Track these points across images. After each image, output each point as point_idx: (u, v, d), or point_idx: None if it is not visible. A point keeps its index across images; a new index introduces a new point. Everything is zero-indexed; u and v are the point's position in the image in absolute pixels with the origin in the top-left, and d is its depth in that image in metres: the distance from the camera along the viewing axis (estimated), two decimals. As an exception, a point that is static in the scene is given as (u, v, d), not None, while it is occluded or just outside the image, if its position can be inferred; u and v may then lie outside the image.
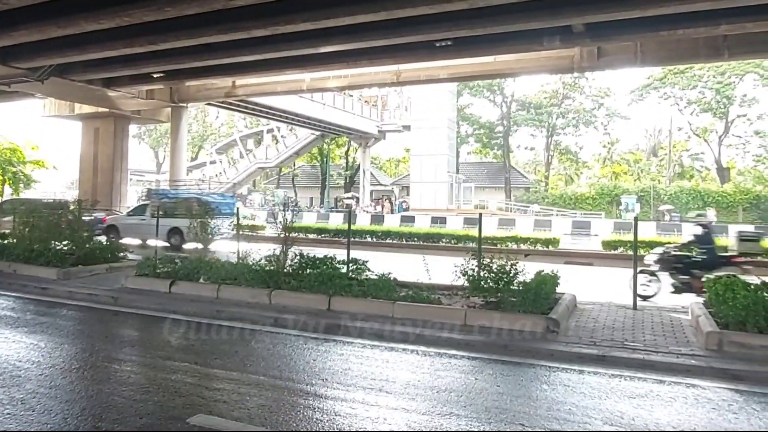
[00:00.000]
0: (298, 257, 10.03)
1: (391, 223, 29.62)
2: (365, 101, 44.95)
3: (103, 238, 15.30)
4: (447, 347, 7.00)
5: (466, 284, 8.80)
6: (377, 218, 32.40)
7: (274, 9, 12.63)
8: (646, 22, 12.90)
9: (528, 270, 8.59)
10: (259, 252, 10.52)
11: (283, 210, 11.11)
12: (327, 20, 12.88)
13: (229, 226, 19.04)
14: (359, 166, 51.55)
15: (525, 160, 68.49)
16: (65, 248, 12.99)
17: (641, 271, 10.24)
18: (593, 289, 11.12)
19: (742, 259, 10.16)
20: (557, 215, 41.72)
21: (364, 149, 48.90)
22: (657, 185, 48.64)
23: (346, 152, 60.61)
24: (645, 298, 10.00)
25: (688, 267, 10.09)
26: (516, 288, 8.22)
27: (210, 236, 12.39)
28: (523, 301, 7.86)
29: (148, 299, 9.66)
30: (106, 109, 26.81)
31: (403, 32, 13.82)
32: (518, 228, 26.73)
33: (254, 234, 13.87)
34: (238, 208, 14.25)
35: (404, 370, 6.17)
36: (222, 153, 53.02)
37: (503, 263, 8.52)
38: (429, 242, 21.35)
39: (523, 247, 19.19)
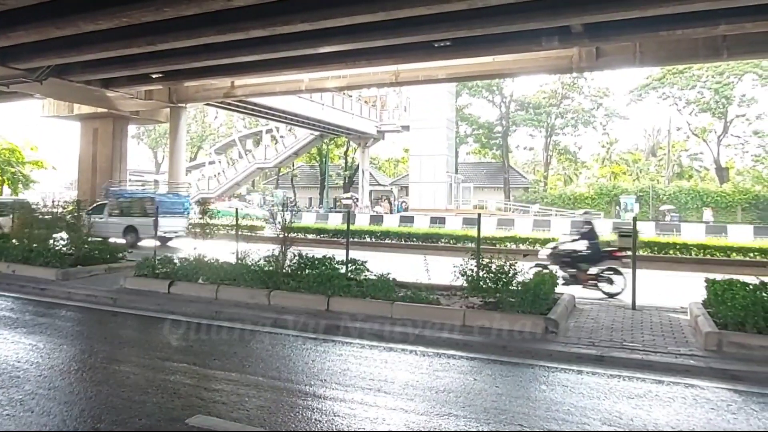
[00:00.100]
0: (297, 258, 10.04)
1: (390, 223, 29.63)
2: (364, 101, 44.93)
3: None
4: (446, 347, 7.00)
5: (465, 284, 8.81)
6: (376, 218, 32.40)
7: (273, 9, 12.62)
8: (644, 23, 12.90)
9: (527, 270, 8.60)
10: (258, 252, 10.52)
11: (282, 210, 11.11)
12: (325, 21, 12.88)
13: (185, 224, 19.90)
14: (358, 166, 51.51)
15: (524, 160, 68.52)
16: (64, 249, 12.99)
17: (536, 265, 10.86)
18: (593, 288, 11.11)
19: (622, 253, 10.72)
20: (556, 215, 41.72)
21: (363, 149, 48.86)
22: (656, 185, 48.66)
23: (345, 152, 60.57)
24: None
25: (575, 261, 10.86)
26: (515, 288, 8.23)
27: (164, 234, 12.63)
28: (522, 301, 7.86)
29: (146, 300, 9.65)
30: (105, 110, 26.77)
31: (402, 33, 13.81)
32: (517, 228, 26.72)
33: (253, 234, 13.88)
34: (237, 209, 14.24)
35: (403, 370, 6.17)
36: (221, 153, 52.92)
37: (502, 263, 8.53)
38: (428, 242, 21.36)
39: (522, 247, 19.20)
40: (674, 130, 55.21)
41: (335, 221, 31.56)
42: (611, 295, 10.56)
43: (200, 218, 12.05)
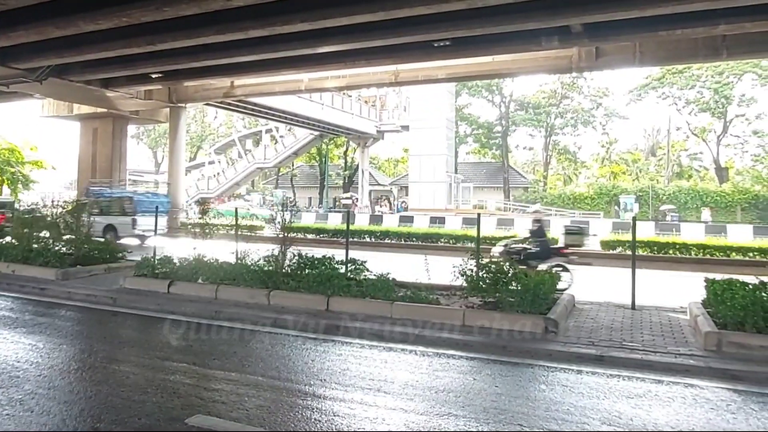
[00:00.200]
0: (296, 257, 10.04)
1: (390, 223, 29.62)
2: (364, 101, 44.94)
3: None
4: (445, 347, 7.01)
5: (465, 284, 8.81)
6: (376, 218, 32.41)
7: (272, 9, 12.62)
8: (644, 22, 12.90)
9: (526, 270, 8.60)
10: (257, 252, 10.52)
11: (282, 210, 11.11)
12: (325, 20, 12.88)
13: (164, 223, 20.62)
14: (358, 166, 51.51)
15: (523, 160, 68.52)
16: (64, 249, 12.99)
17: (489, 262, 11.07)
18: (592, 288, 11.12)
19: (569, 250, 11.24)
20: (556, 215, 41.74)
21: (363, 149, 48.87)
22: (655, 185, 48.69)
23: (345, 152, 60.57)
24: None
25: (525, 258, 11.06)
26: (514, 288, 8.23)
27: (143, 233, 12.85)
28: (521, 301, 7.87)
29: (146, 300, 9.65)
30: (105, 110, 26.77)
31: (401, 32, 13.81)
32: (517, 228, 26.70)
33: (252, 234, 13.88)
34: (236, 208, 14.24)
35: (403, 370, 6.17)
36: (220, 153, 52.95)
37: (501, 263, 8.53)
38: (428, 242, 21.36)
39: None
40: (674, 129, 55.36)
41: (335, 221, 31.57)
42: (560, 291, 10.59)
43: (200, 218, 12.04)
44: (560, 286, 10.53)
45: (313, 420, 4.70)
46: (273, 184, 65.02)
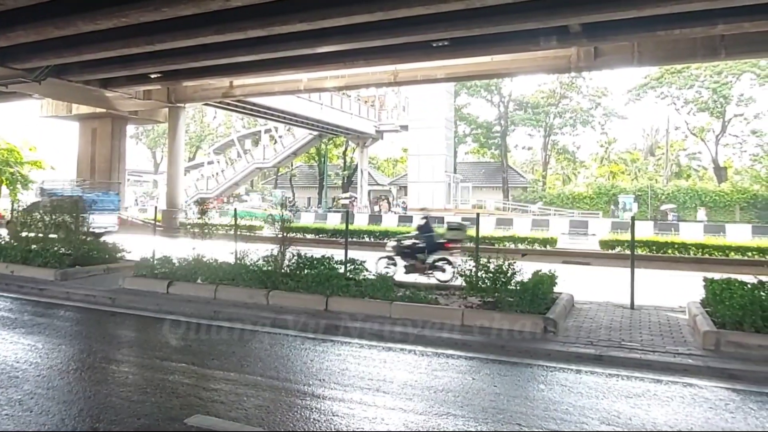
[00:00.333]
0: (295, 257, 10.04)
1: (389, 222, 29.62)
2: (363, 101, 44.94)
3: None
4: (444, 347, 7.01)
5: (464, 284, 8.81)
6: (375, 218, 32.41)
7: (271, 9, 12.62)
8: (642, 22, 12.92)
9: (525, 270, 8.61)
10: (256, 252, 10.52)
11: (282, 209, 11.17)
12: (323, 21, 12.89)
13: (115, 221, 21.71)
14: (357, 166, 51.50)
15: (522, 159, 68.53)
16: (62, 249, 12.99)
17: (385, 257, 12.22)
18: (591, 288, 11.13)
19: (452, 245, 12.01)
20: (555, 215, 41.78)
21: (362, 149, 48.87)
22: (654, 185, 48.75)
23: (344, 152, 60.56)
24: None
25: (413, 252, 11.95)
26: (513, 288, 8.24)
27: (94, 230, 13.21)
28: (520, 301, 7.87)
29: (145, 300, 9.65)
30: (104, 110, 26.79)
31: (400, 32, 13.82)
32: (516, 228, 26.76)
33: (251, 234, 13.89)
34: (236, 209, 14.24)
35: (402, 370, 6.18)
36: (220, 153, 52.91)
37: (500, 263, 8.54)
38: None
39: (520, 246, 19.22)
40: (672, 129, 55.43)
41: (334, 221, 31.56)
42: (444, 282, 11.12)
43: (198, 218, 12.07)
44: (444, 277, 11.46)
45: (312, 420, 4.71)
46: (272, 184, 65.00)
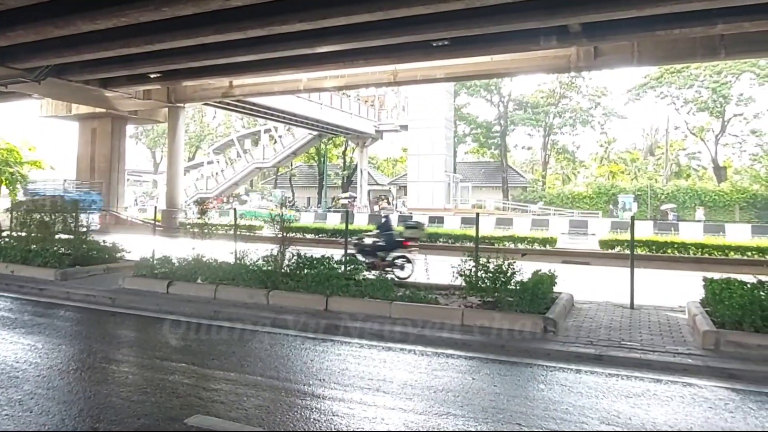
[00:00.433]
0: (295, 257, 10.05)
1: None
2: (363, 101, 44.94)
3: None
4: (444, 347, 7.01)
5: (464, 284, 8.81)
6: (375, 218, 32.37)
7: (271, 9, 12.63)
8: (642, 22, 12.93)
9: (525, 269, 8.61)
10: (256, 252, 10.52)
11: (282, 209, 11.19)
12: (323, 20, 12.89)
13: (96, 220, 21.84)
14: (356, 165, 51.50)
15: (522, 159, 68.52)
16: (62, 249, 12.99)
17: (348, 254, 11.82)
18: (591, 288, 11.14)
19: (410, 243, 12.31)
20: (554, 215, 41.78)
21: (362, 149, 48.87)
22: (654, 184, 48.74)
23: (344, 152, 60.56)
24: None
25: (374, 250, 12.19)
26: (513, 288, 8.23)
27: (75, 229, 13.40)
28: (520, 300, 7.87)
29: (145, 300, 9.65)
30: (103, 110, 26.79)
31: (400, 32, 13.83)
32: (516, 227, 26.75)
33: (251, 234, 13.89)
34: (235, 209, 14.24)
35: (402, 370, 6.18)
36: (219, 153, 52.86)
37: (500, 263, 8.54)
38: (426, 242, 21.33)
39: (520, 246, 19.22)
40: (672, 129, 55.42)
41: (334, 221, 31.56)
42: (402, 279, 11.33)
43: (198, 218, 12.09)
44: (404, 275, 11.69)
45: (312, 420, 4.71)
46: (272, 184, 64.98)
